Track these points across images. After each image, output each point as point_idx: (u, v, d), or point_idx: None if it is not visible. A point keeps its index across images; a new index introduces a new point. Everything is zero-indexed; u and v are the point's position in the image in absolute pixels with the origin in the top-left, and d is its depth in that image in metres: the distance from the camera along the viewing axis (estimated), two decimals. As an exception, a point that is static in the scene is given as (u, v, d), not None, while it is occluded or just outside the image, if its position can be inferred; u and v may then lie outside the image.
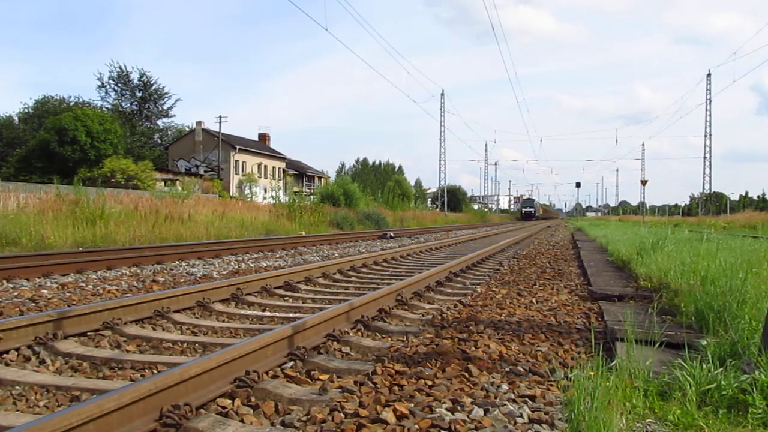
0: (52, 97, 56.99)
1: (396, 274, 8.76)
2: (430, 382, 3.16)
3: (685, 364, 2.99)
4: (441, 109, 61.82)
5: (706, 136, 54.89)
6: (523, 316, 5.23)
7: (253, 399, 2.95)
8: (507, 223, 52.80)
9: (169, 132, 67.69)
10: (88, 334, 4.33)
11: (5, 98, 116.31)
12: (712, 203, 62.80)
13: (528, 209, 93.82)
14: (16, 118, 56.68)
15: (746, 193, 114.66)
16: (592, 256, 11.71)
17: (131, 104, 63.81)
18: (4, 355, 3.72)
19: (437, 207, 67.30)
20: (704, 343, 3.34)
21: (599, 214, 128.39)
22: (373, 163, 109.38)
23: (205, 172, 55.13)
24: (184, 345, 4.15)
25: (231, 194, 48.01)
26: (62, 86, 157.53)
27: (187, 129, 64.42)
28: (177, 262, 9.84)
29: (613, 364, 3.12)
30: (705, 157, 55.44)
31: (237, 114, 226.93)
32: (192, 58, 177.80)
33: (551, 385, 3.17)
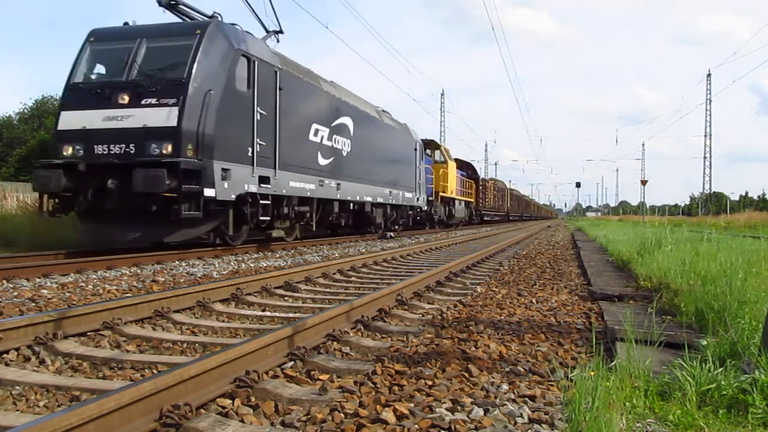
0: (52, 97, 56.99)
1: (396, 274, 8.76)
2: (430, 382, 3.16)
3: (685, 364, 2.98)
4: (441, 108, 61.84)
5: (706, 136, 54.94)
6: (523, 316, 5.23)
7: (253, 399, 2.95)
8: (504, 223, 52.78)
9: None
10: (88, 334, 4.33)
11: (5, 98, 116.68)
12: (712, 203, 62.80)
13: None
14: (15, 118, 56.71)
15: (746, 193, 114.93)
16: (592, 256, 11.71)
17: (131, 104, 63.78)
18: (4, 355, 3.71)
19: (437, 207, 67.15)
20: (704, 343, 3.34)
21: (599, 214, 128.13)
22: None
23: (205, 172, 55.03)
24: (184, 345, 4.15)
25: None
26: (62, 86, 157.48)
27: (187, 129, 64.34)
28: (177, 262, 9.84)
29: (613, 364, 3.12)
30: (705, 157, 55.52)
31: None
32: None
33: (551, 385, 3.17)
